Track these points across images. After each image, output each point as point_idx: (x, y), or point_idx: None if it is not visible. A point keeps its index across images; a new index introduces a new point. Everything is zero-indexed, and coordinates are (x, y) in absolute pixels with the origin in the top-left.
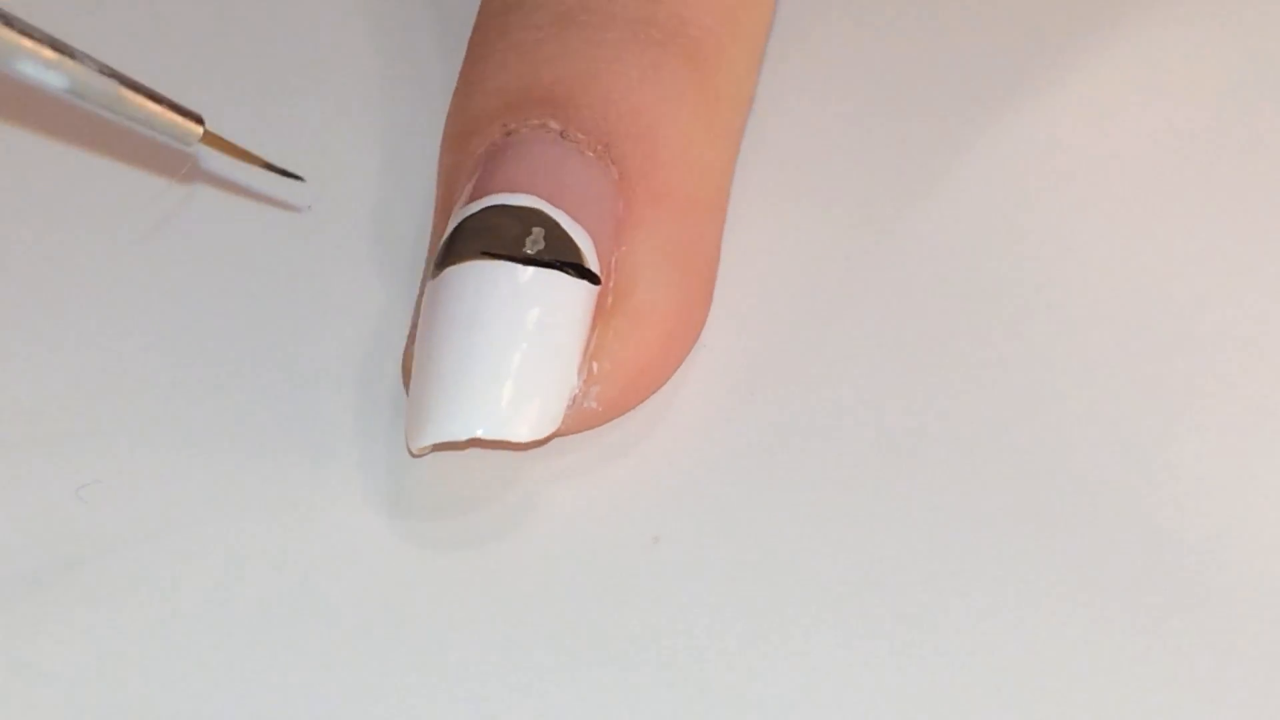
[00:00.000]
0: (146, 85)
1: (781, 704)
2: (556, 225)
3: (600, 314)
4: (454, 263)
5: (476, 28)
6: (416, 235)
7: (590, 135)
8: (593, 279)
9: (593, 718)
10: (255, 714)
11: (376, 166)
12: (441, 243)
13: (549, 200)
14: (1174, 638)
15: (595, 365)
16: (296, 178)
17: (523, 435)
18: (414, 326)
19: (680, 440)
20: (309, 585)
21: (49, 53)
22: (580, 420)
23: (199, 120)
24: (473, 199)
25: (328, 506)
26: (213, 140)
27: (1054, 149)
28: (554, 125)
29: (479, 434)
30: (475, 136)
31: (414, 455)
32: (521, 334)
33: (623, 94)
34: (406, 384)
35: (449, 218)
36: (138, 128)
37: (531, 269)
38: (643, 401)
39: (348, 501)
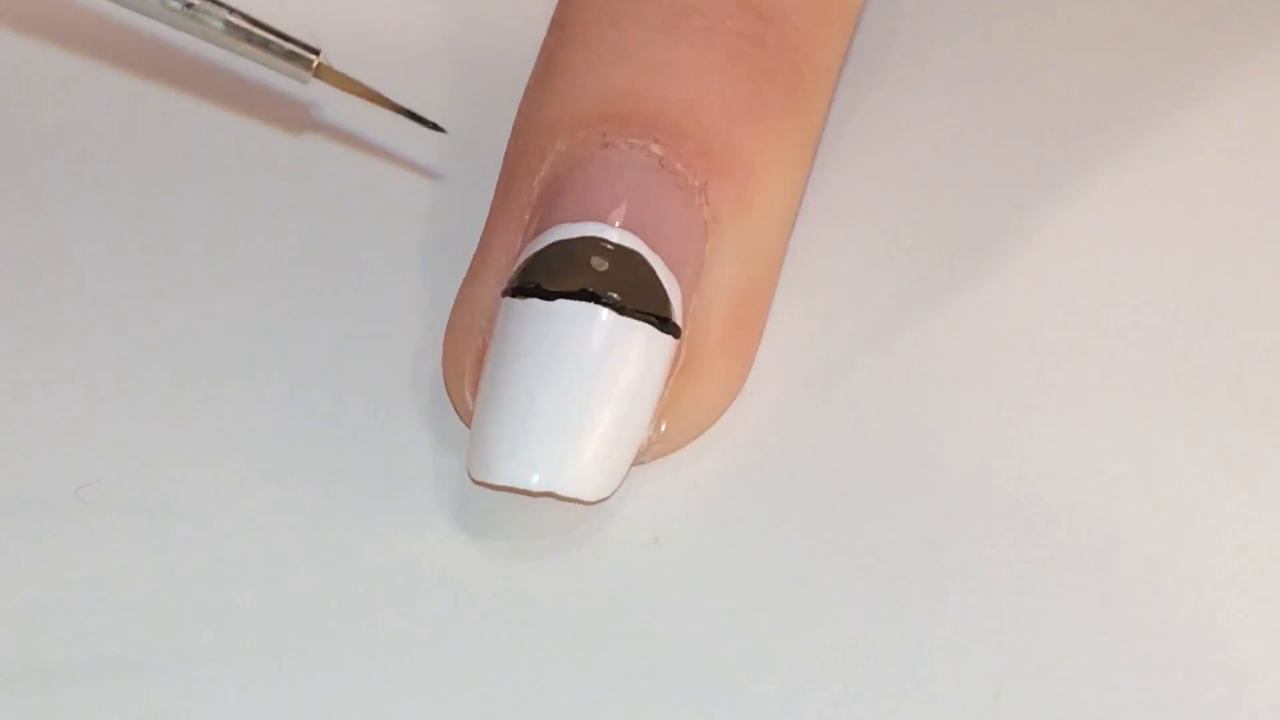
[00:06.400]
0: (253, 15)
1: (782, 704)
2: (652, 273)
3: (673, 367)
4: (545, 295)
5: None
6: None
7: (690, 170)
8: (676, 333)
9: (592, 718)
10: (252, 713)
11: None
12: (528, 259)
13: (648, 242)
14: (1181, 647)
15: (664, 425)
16: (436, 128)
17: (590, 495)
18: (452, 329)
19: None
20: (308, 584)
21: None
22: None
23: (314, 51)
24: (565, 216)
25: (327, 505)
26: (330, 75)
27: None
28: (656, 151)
29: (554, 490)
30: (565, 136)
31: (475, 483)
32: (608, 390)
33: (728, 127)
34: (451, 393)
35: (518, 216)
36: (248, 53)
37: (625, 319)
38: None
39: (345, 499)
